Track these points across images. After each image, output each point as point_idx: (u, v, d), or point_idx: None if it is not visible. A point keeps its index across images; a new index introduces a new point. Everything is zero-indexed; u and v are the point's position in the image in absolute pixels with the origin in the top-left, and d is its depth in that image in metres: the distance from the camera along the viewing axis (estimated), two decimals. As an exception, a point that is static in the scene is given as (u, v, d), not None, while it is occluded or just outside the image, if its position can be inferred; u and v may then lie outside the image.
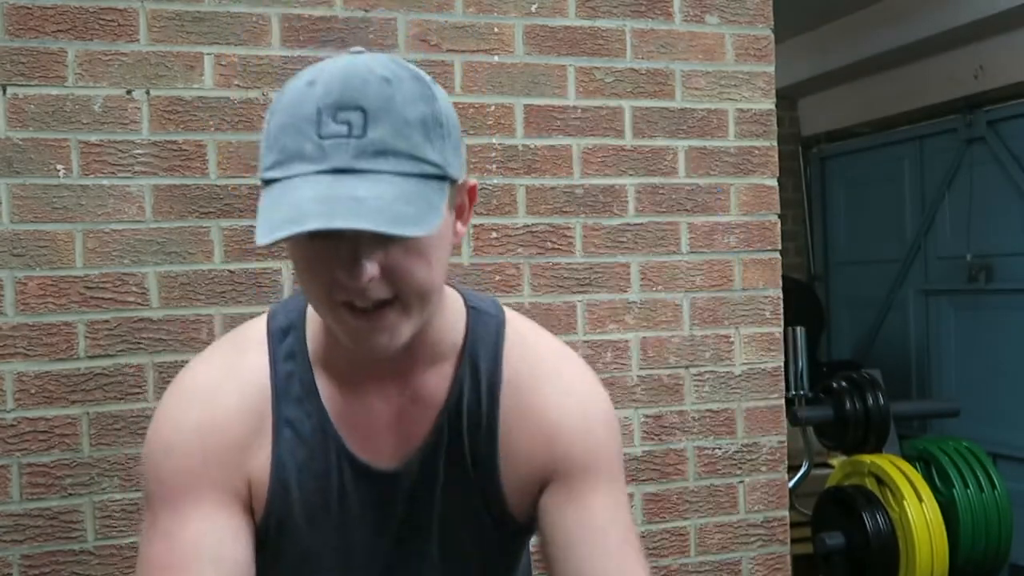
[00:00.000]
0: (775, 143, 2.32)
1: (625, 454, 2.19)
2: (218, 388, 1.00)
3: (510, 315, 1.08)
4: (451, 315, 1.04)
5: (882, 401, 3.29)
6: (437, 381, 1.03)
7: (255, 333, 1.04)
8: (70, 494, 1.85)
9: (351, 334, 0.91)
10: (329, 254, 0.86)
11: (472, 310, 1.06)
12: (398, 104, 0.85)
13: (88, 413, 1.86)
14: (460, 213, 0.97)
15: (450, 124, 0.91)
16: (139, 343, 1.89)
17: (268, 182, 0.86)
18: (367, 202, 0.82)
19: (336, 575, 1.05)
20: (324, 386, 1.02)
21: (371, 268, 0.86)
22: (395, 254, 0.87)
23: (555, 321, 2.12)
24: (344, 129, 0.84)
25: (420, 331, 0.96)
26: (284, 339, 1.03)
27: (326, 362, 1.02)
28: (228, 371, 1.01)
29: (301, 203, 0.82)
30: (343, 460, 1.01)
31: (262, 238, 0.82)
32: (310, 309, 1.03)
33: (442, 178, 0.87)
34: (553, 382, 1.05)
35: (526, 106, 2.13)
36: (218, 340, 1.09)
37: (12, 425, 1.83)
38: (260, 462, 0.99)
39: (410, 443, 1.02)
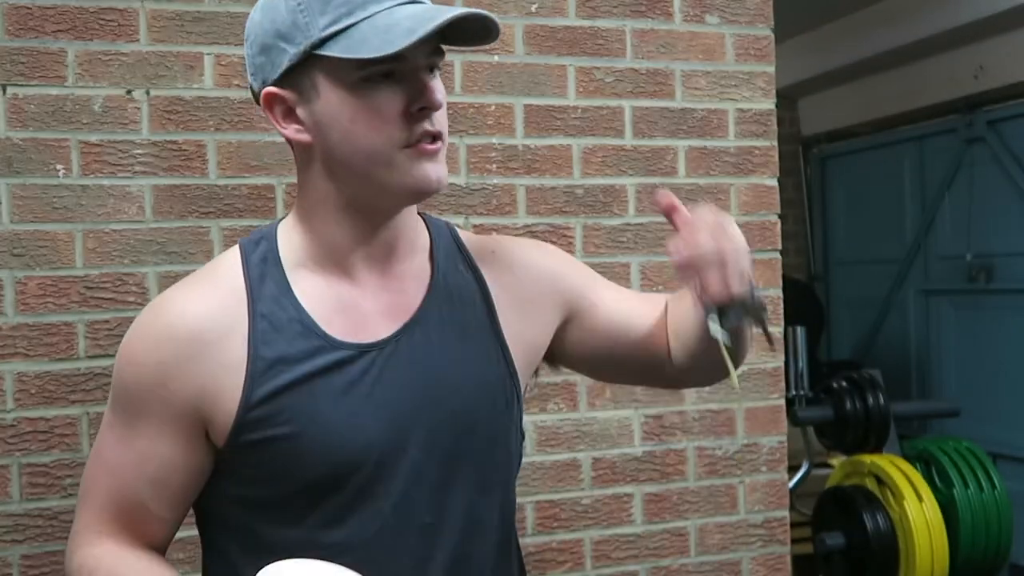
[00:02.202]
0: (775, 143, 2.32)
1: (625, 454, 2.20)
2: (187, 299, 1.05)
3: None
4: (416, 217, 1.14)
5: (882, 401, 3.28)
6: (416, 269, 1.12)
7: (228, 254, 1.10)
8: (70, 494, 1.84)
9: (418, 168, 1.01)
10: (400, 89, 0.99)
11: (424, 216, 1.17)
12: None
13: (88, 413, 1.86)
14: None
15: None
16: (139, 343, 1.89)
17: (342, 31, 0.97)
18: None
19: (329, 466, 1.03)
20: (300, 286, 1.06)
21: (442, 89, 1.02)
22: (440, 94, 1.02)
23: (555, 321, 2.12)
24: None
25: (401, 221, 1.09)
26: (256, 249, 1.08)
27: (303, 264, 1.07)
28: (199, 283, 1.08)
29: (413, 15, 0.97)
30: (325, 343, 1.04)
31: (385, 47, 0.95)
32: (281, 225, 1.11)
33: None
34: (506, 241, 1.24)
35: (526, 106, 2.13)
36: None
37: (12, 425, 1.83)
38: (235, 354, 1.02)
39: (397, 322, 1.08)
